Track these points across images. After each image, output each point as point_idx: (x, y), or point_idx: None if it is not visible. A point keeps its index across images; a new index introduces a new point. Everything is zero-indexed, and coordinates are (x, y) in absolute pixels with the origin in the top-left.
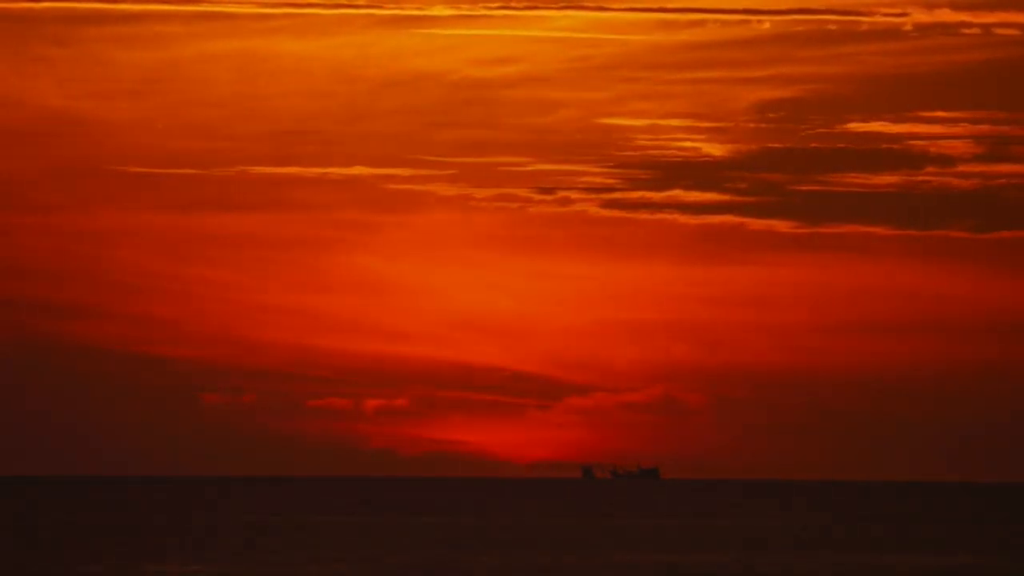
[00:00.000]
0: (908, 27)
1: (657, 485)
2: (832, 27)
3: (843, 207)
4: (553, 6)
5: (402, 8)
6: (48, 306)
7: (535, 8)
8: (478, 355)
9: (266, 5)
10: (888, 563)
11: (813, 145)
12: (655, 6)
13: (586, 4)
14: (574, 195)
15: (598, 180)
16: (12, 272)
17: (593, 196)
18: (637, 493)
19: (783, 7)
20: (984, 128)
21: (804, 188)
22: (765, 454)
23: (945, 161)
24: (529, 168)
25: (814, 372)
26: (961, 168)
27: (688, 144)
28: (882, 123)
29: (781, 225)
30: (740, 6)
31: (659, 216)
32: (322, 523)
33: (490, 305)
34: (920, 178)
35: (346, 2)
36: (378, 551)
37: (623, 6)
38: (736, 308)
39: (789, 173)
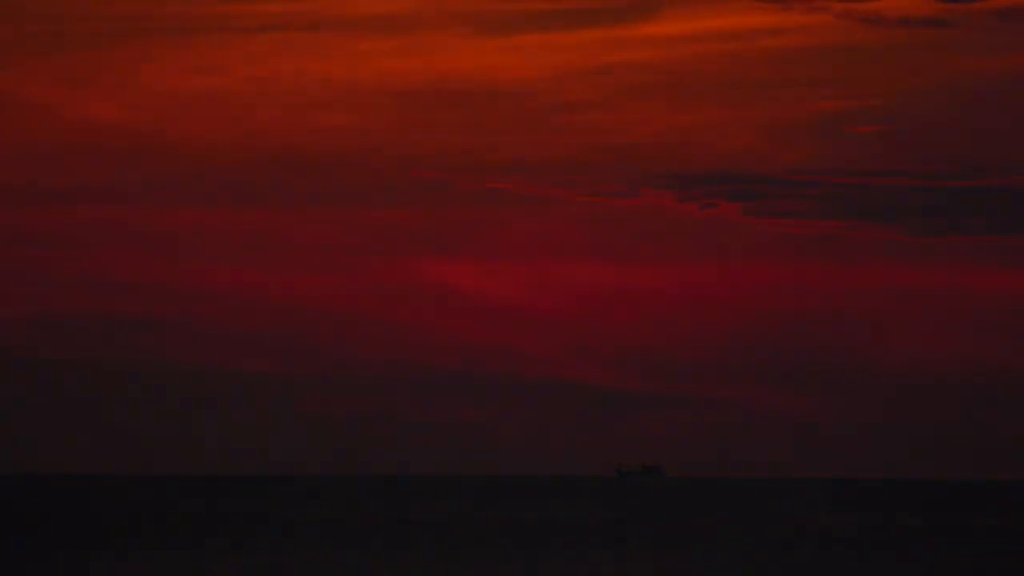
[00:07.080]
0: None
1: (666, 483)
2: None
3: (953, 214)
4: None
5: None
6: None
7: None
8: (581, 369)
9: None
10: None
11: (923, 154)
12: (731, 21)
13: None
14: (667, 202)
15: (683, 191)
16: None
17: (690, 206)
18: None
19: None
20: None
21: (918, 195)
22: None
23: None
24: (599, 184)
25: (921, 378)
26: None
27: (779, 153)
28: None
29: (891, 232)
30: (818, 20)
31: (766, 222)
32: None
33: (591, 316)
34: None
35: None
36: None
37: (693, 23)
38: (844, 314)
39: (900, 179)
